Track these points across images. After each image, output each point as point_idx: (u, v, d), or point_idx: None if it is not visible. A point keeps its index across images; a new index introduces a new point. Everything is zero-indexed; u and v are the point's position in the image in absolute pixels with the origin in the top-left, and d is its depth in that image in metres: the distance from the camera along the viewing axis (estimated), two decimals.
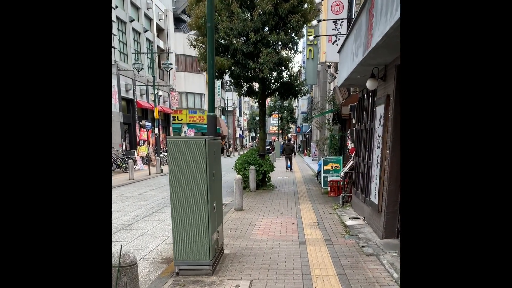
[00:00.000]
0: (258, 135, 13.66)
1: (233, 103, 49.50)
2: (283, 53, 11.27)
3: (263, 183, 12.17)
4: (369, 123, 7.08)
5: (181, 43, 31.20)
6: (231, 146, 43.90)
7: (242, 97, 13.22)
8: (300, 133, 46.01)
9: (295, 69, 12.30)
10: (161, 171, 18.12)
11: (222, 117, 46.33)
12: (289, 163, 19.10)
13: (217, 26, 10.45)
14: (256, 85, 12.91)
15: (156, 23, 28.06)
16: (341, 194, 8.79)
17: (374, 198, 6.09)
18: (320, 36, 11.50)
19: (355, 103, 8.48)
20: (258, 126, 13.19)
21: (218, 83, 43.21)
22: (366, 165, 7.09)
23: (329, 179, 10.66)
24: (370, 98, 6.90)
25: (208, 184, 4.15)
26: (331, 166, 10.87)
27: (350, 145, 9.58)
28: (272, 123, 64.25)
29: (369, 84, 5.79)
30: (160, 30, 29.53)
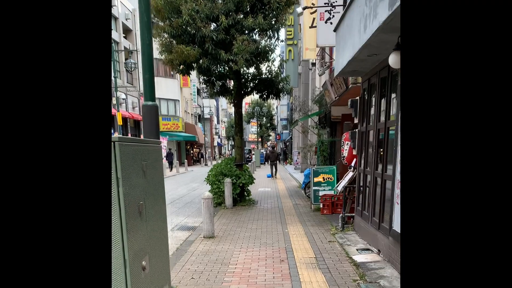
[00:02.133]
0: (234, 142, 11.78)
1: (210, 110, 47.28)
2: (262, 42, 9.35)
3: (241, 197, 10.25)
4: (383, 120, 5.21)
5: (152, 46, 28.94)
6: (205, 155, 41.61)
7: (217, 98, 11.35)
8: (280, 140, 44.14)
9: (276, 63, 10.38)
10: None
11: (199, 124, 44.07)
12: (274, 170, 19.48)
13: (179, 8, 8.51)
14: (231, 84, 10.99)
15: (123, 22, 25.78)
16: (341, 215, 6.86)
17: (399, 227, 4.17)
18: (308, 8, 9.53)
19: (357, 98, 6.59)
20: (234, 131, 11.22)
21: (193, 89, 41.04)
22: (380, 179, 5.18)
23: (320, 193, 8.78)
24: (386, 87, 5.01)
25: (124, 226, 2.13)
26: (323, 178, 8.95)
27: (346, 151, 7.68)
28: (251, 130, 62.47)
29: (393, 60, 3.90)
30: (127, 31, 27.26)
